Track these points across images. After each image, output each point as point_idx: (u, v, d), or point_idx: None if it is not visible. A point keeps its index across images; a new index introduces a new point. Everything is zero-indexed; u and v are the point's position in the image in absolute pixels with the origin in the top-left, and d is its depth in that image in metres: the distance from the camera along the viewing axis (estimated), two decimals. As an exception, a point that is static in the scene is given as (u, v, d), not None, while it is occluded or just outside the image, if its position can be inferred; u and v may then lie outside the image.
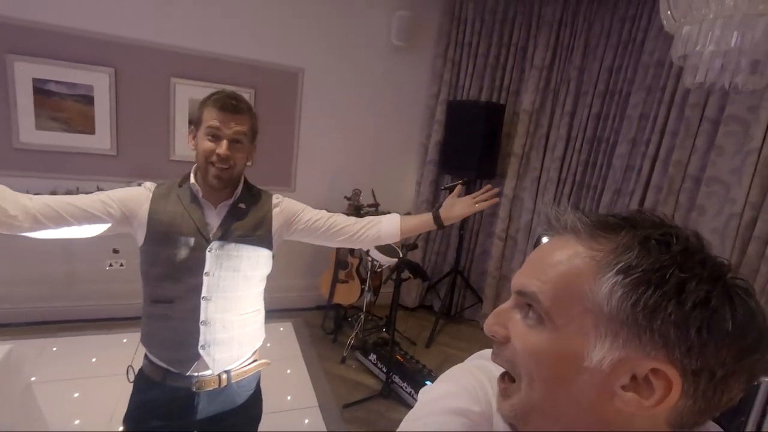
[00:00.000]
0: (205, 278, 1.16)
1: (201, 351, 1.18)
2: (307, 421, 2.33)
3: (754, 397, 1.46)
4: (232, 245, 1.19)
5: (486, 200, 1.40)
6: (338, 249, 3.17)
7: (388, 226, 1.37)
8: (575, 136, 3.20)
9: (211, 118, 1.13)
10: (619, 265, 0.38)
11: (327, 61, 3.38)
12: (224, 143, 1.13)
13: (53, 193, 2.85)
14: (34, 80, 2.70)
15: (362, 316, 3.19)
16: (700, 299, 0.35)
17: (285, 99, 3.34)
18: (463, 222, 3.54)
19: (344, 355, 2.94)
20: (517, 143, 3.47)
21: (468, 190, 3.44)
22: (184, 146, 3.09)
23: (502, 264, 3.60)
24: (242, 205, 1.23)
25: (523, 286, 0.43)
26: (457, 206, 1.40)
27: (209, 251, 1.16)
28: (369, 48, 3.48)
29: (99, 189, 2.93)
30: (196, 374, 1.19)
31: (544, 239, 0.48)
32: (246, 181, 1.28)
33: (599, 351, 0.38)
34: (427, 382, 2.45)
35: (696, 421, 0.39)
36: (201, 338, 1.18)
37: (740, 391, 0.38)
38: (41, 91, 2.74)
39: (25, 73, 2.68)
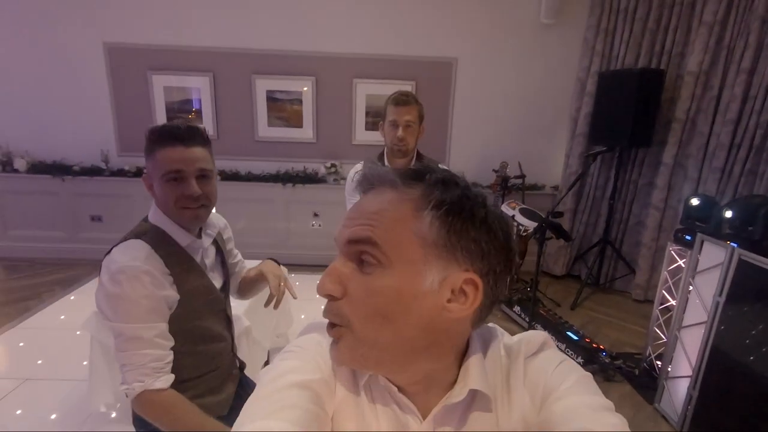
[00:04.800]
0: None
1: None
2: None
3: None
4: None
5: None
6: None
7: None
8: (755, 96, 2.91)
9: (391, 112, 1.70)
10: (432, 202, 0.46)
11: (478, 48, 3.78)
12: (400, 129, 1.69)
13: (278, 171, 3.98)
14: (267, 91, 3.83)
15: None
16: (482, 218, 0.46)
17: (441, 86, 3.87)
18: (614, 191, 3.55)
19: (491, 306, 3.36)
20: (680, 108, 3.29)
21: (620, 159, 3.44)
22: (363, 133, 3.90)
23: (659, 235, 3.48)
24: None
25: (355, 234, 0.46)
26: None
27: None
28: (518, 30, 3.75)
29: (305, 168, 3.97)
30: None
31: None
32: (419, 153, 1.83)
33: (429, 276, 0.45)
34: (569, 333, 2.73)
35: (486, 315, 0.50)
36: None
37: (506, 284, 0.50)
38: (271, 98, 3.85)
39: (262, 86, 3.82)
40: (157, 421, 0.93)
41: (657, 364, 2.49)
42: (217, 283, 1.14)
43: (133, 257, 0.92)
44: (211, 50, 3.73)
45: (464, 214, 0.46)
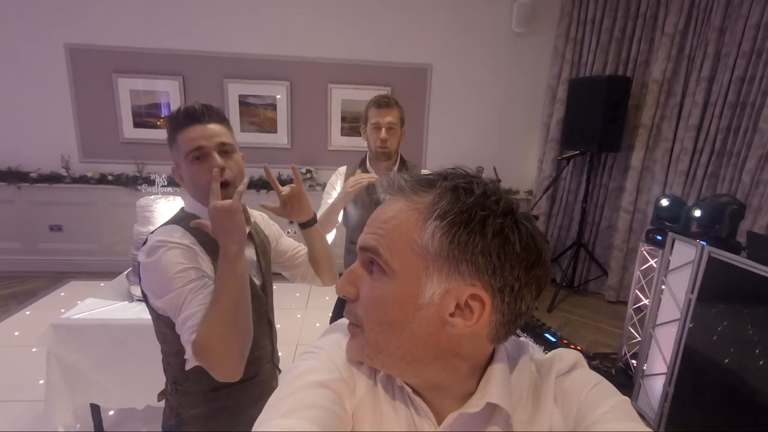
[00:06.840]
0: None
1: None
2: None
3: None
4: None
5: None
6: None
7: None
8: (714, 102, 3.05)
9: (372, 115, 1.69)
10: (436, 212, 0.44)
11: (452, 55, 3.83)
12: (382, 131, 1.68)
13: (251, 178, 3.87)
14: (240, 96, 3.74)
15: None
16: (497, 230, 0.43)
17: (416, 92, 3.89)
18: (586, 195, 3.64)
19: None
20: (646, 114, 3.42)
21: (591, 164, 3.52)
22: (339, 138, 3.86)
23: (630, 237, 3.58)
24: None
25: (364, 242, 0.48)
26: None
27: None
28: (490, 38, 3.82)
29: (279, 174, 3.88)
30: None
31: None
32: (402, 158, 1.81)
33: (430, 287, 0.44)
34: (547, 335, 2.75)
35: (508, 331, 0.48)
36: None
37: (532, 299, 0.47)
38: (243, 103, 3.76)
39: (234, 91, 3.72)
40: (221, 333, 0.84)
41: (632, 363, 2.53)
42: (257, 280, 1.10)
43: (168, 235, 0.93)
44: (181, 53, 3.61)
45: (472, 225, 0.43)
